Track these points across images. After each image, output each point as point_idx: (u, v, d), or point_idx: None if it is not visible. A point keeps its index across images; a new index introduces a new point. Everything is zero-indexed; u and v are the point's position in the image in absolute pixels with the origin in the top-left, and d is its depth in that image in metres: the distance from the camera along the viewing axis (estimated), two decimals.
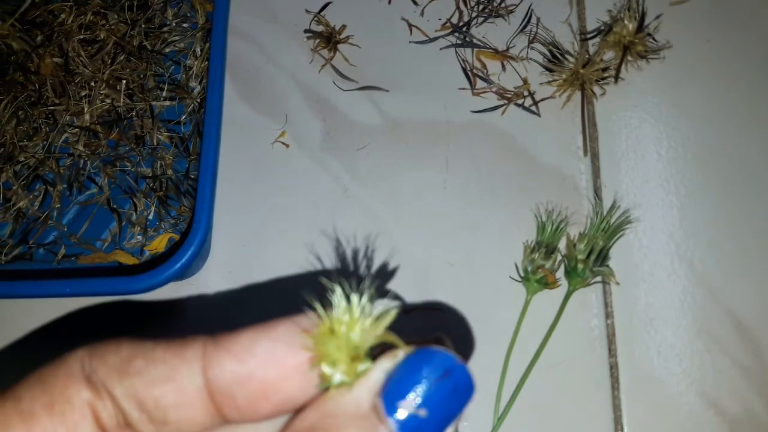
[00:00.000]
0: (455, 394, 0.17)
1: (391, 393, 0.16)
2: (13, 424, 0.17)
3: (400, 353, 0.17)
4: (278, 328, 0.17)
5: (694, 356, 0.38)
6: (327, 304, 0.17)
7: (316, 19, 0.45)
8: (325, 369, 0.17)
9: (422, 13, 0.45)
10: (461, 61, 0.44)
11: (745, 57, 0.43)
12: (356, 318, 0.17)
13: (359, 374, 0.17)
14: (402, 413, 0.16)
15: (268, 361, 0.17)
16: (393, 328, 0.18)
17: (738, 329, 0.38)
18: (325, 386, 0.17)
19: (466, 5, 0.45)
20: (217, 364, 0.17)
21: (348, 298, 0.17)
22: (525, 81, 0.43)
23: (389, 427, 0.16)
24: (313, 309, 0.17)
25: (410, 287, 0.40)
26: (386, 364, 0.17)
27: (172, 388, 0.17)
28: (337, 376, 0.17)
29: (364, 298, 0.17)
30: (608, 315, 0.39)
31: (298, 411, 0.18)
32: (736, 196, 0.40)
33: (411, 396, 0.16)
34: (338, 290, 0.17)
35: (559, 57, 0.43)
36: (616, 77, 0.42)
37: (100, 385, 0.17)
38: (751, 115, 0.42)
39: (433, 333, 0.18)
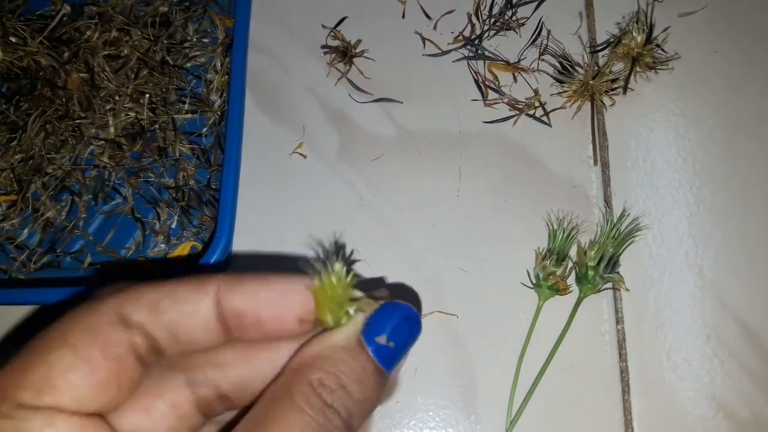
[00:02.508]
0: (411, 332, 0.24)
1: (370, 331, 0.23)
2: (78, 367, 0.21)
3: (375, 305, 0.23)
4: (276, 282, 0.23)
5: (704, 361, 0.39)
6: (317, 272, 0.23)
7: (332, 34, 0.46)
8: (323, 316, 0.23)
9: (435, 27, 0.47)
10: (473, 73, 0.45)
11: (752, 67, 0.44)
12: (339, 279, 0.23)
13: (344, 318, 0.23)
14: (377, 344, 0.23)
15: (264, 304, 0.23)
16: None
17: (746, 334, 0.39)
18: (321, 328, 0.23)
19: (478, 18, 0.46)
20: (228, 302, 0.23)
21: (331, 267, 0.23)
22: (536, 92, 0.44)
23: (368, 353, 0.23)
24: (308, 272, 0.23)
25: (425, 293, 0.41)
26: (366, 312, 0.23)
27: (195, 319, 0.23)
28: (329, 321, 0.23)
29: (341, 267, 0.23)
30: (618, 320, 0.40)
31: (302, 345, 0.24)
32: (745, 204, 0.41)
33: (383, 333, 0.23)
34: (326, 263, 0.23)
35: (570, 68, 0.44)
36: (625, 88, 0.43)
37: (133, 324, 0.22)
38: (759, 124, 0.43)
39: (382, 290, 0.25)
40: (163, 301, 0.23)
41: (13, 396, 0.20)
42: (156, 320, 0.22)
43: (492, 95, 0.45)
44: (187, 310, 0.23)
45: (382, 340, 0.23)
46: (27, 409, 0.20)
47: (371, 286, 0.25)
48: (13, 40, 0.46)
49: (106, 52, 0.46)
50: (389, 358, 0.23)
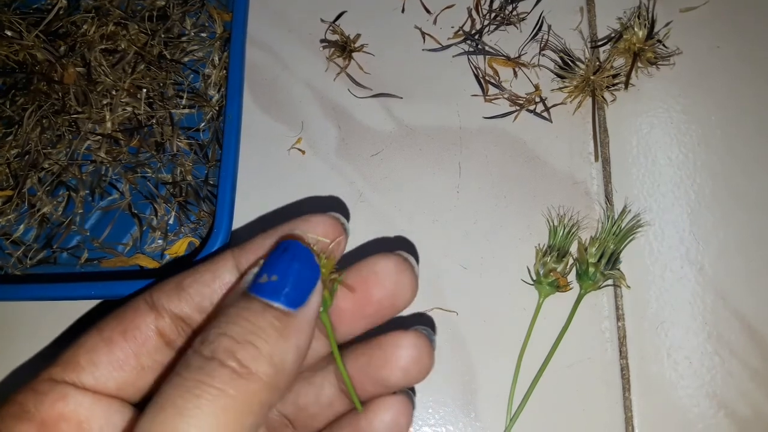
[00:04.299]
0: (295, 259, 0.22)
1: (255, 279, 0.22)
2: (99, 347, 0.23)
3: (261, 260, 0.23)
4: (278, 230, 0.24)
5: (704, 358, 0.38)
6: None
7: (331, 28, 0.46)
8: None
9: (435, 22, 0.46)
10: (474, 68, 0.45)
11: (754, 62, 0.44)
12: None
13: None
14: (259, 284, 0.22)
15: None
16: None
17: (747, 332, 0.38)
18: None
19: (478, 13, 0.46)
20: (244, 258, 0.24)
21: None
22: (536, 87, 0.44)
23: (249, 294, 0.22)
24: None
25: (424, 290, 0.41)
26: (254, 269, 0.23)
27: (218, 284, 0.24)
28: None
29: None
30: (619, 318, 0.40)
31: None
32: (746, 201, 0.41)
33: (265, 272, 0.22)
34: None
35: (570, 64, 0.43)
36: (627, 83, 0.43)
37: (161, 308, 0.24)
38: (761, 120, 0.42)
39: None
40: (187, 278, 0.24)
41: (47, 372, 0.22)
42: (181, 298, 0.24)
43: (492, 90, 0.44)
44: (207, 278, 0.24)
45: (263, 279, 0.22)
46: (52, 383, 0.22)
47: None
48: (9, 33, 0.45)
49: (102, 47, 0.45)
50: (277, 290, 0.21)
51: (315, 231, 0.24)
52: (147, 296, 0.24)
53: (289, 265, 0.22)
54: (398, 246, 0.42)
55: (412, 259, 0.26)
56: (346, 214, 0.42)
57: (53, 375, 0.22)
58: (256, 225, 0.43)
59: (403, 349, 0.25)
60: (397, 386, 0.25)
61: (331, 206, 0.43)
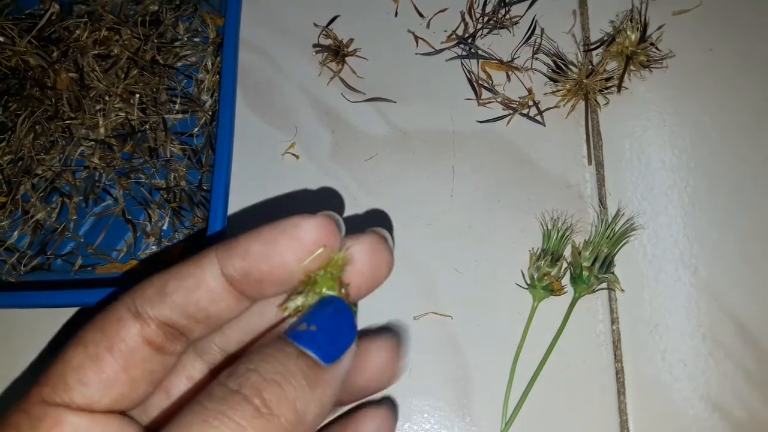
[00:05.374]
0: (336, 313, 0.22)
1: (293, 326, 0.22)
2: (86, 366, 0.22)
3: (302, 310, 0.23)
4: (264, 232, 0.23)
5: (699, 361, 0.38)
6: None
7: (324, 32, 0.46)
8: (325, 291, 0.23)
9: (428, 26, 0.46)
10: (467, 72, 0.45)
11: (747, 65, 0.44)
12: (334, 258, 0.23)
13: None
14: (297, 332, 0.21)
15: (258, 256, 0.23)
16: None
17: (742, 334, 0.39)
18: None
19: (471, 17, 0.46)
20: (228, 264, 0.23)
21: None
22: (530, 91, 0.44)
23: (286, 339, 0.21)
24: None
25: (418, 294, 0.41)
26: (292, 319, 0.23)
27: (203, 291, 0.23)
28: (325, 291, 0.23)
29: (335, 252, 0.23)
30: (614, 321, 0.40)
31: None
32: (740, 203, 0.41)
33: (305, 322, 0.22)
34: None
35: (563, 67, 0.44)
36: (620, 87, 0.43)
37: (146, 316, 0.23)
38: (754, 122, 0.43)
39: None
40: (170, 283, 0.23)
41: (37, 392, 0.21)
42: (166, 304, 0.23)
43: (486, 94, 0.44)
44: (190, 284, 0.23)
45: (302, 327, 0.22)
46: (44, 405, 0.21)
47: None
48: (1, 39, 0.45)
49: (95, 52, 0.45)
50: (313, 340, 0.21)
51: (305, 238, 0.23)
52: (129, 303, 0.23)
53: (330, 320, 0.22)
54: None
55: (385, 233, 0.25)
56: (343, 222, 0.42)
57: (44, 396, 0.22)
58: (248, 230, 0.43)
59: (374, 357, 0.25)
60: (371, 390, 0.26)
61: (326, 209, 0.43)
